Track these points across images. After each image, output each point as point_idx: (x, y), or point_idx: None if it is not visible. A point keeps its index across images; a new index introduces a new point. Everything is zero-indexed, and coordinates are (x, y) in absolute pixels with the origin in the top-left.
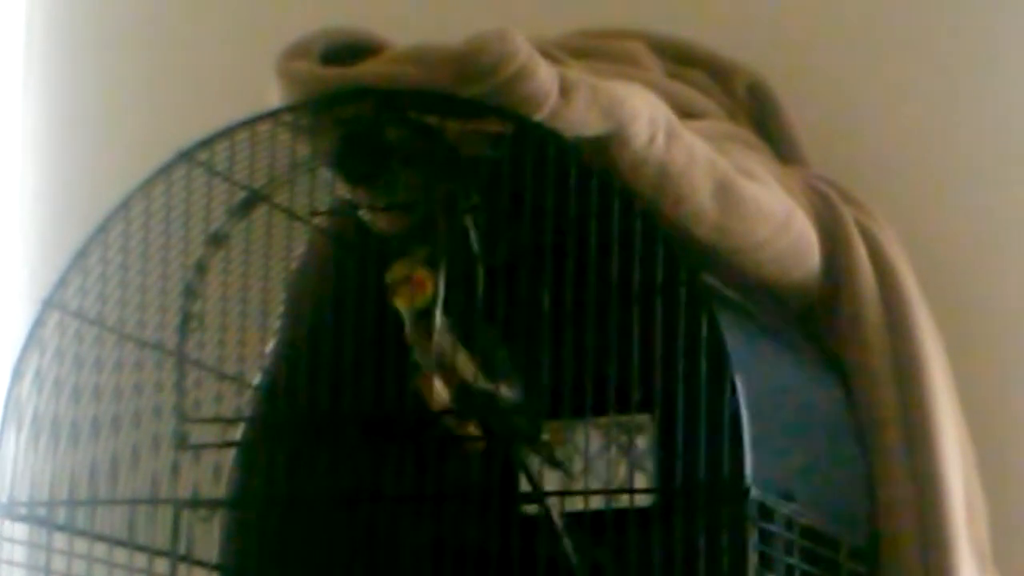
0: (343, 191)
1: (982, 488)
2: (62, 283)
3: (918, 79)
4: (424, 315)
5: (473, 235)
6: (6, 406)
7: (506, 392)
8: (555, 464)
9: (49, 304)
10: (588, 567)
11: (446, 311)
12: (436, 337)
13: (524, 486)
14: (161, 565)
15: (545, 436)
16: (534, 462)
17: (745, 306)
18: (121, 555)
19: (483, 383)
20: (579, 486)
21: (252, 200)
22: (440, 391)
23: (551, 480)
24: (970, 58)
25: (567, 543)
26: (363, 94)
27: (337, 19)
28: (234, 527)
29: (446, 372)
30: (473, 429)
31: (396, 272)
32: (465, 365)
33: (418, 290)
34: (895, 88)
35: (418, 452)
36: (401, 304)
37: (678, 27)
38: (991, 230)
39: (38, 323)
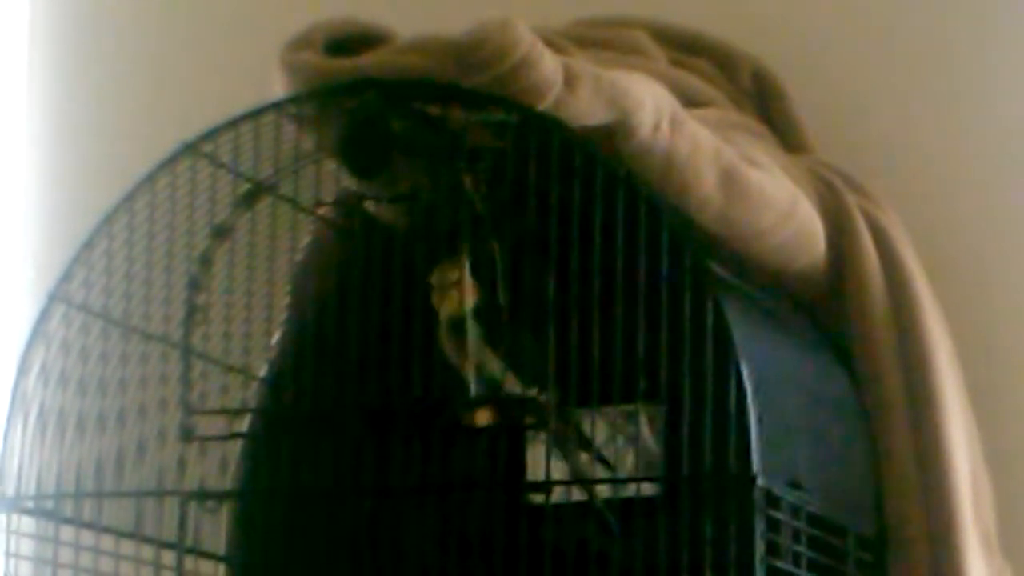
0: (348, 182)
1: (988, 474)
2: (67, 276)
3: (923, 65)
4: (461, 323)
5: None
6: (12, 400)
7: (537, 394)
8: (593, 453)
9: (54, 297)
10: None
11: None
12: (471, 346)
13: (531, 475)
14: (168, 557)
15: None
16: (572, 451)
17: (750, 294)
18: (128, 547)
19: (515, 386)
20: (586, 475)
21: (257, 192)
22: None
23: (558, 469)
24: (976, 44)
25: (614, 528)
26: (367, 85)
27: (340, 10)
28: (240, 519)
29: (483, 379)
30: (482, 416)
31: (441, 276)
32: (496, 369)
33: (462, 296)
34: (899, 75)
35: (424, 443)
36: (444, 309)
37: (682, 15)
38: (996, 217)
39: (43, 316)
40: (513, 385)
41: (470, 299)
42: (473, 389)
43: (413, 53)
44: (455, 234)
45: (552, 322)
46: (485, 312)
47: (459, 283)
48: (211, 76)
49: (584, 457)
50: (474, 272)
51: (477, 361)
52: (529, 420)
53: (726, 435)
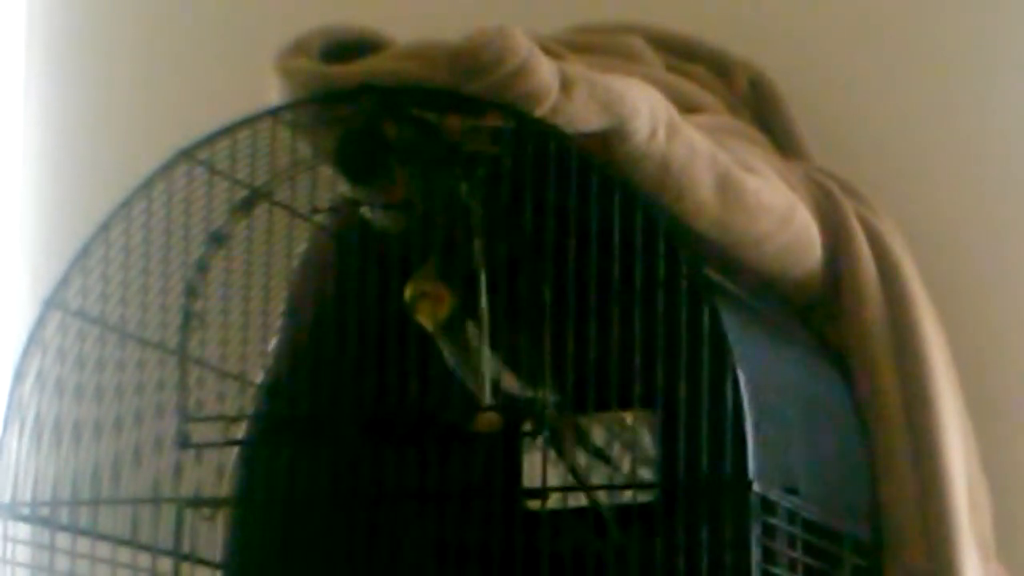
0: (344, 188)
1: (985, 480)
2: (64, 283)
3: (920, 72)
4: (450, 326)
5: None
6: (8, 407)
7: (534, 392)
8: (601, 457)
9: (51, 304)
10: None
11: (473, 319)
12: (471, 351)
13: (528, 481)
14: (164, 564)
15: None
16: (575, 455)
17: (747, 300)
18: (124, 554)
19: (514, 386)
20: (582, 481)
21: (253, 198)
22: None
23: (553, 475)
24: (972, 50)
25: (617, 535)
26: (363, 91)
27: (337, 16)
28: (237, 526)
29: (481, 379)
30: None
31: (412, 290)
32: (495, 369)
33: (438, 304)
34: (896, 81)
35: (421, 450)
36: (424, 320)
37: (678, 22)
38: (993, 222)
39: (40, 323)
40: (512, 385)
41: (447, 303)
42: (476, 392)
43: (410, 59)
44: (451, 240)
45: (549, 328)
46: (465, 317)
47: (428, 294)
48: (207, 83)
49: (583, 461)
50: (450, 279)
51: (475, 363)
52: (528, 426)
53: (722, 441)
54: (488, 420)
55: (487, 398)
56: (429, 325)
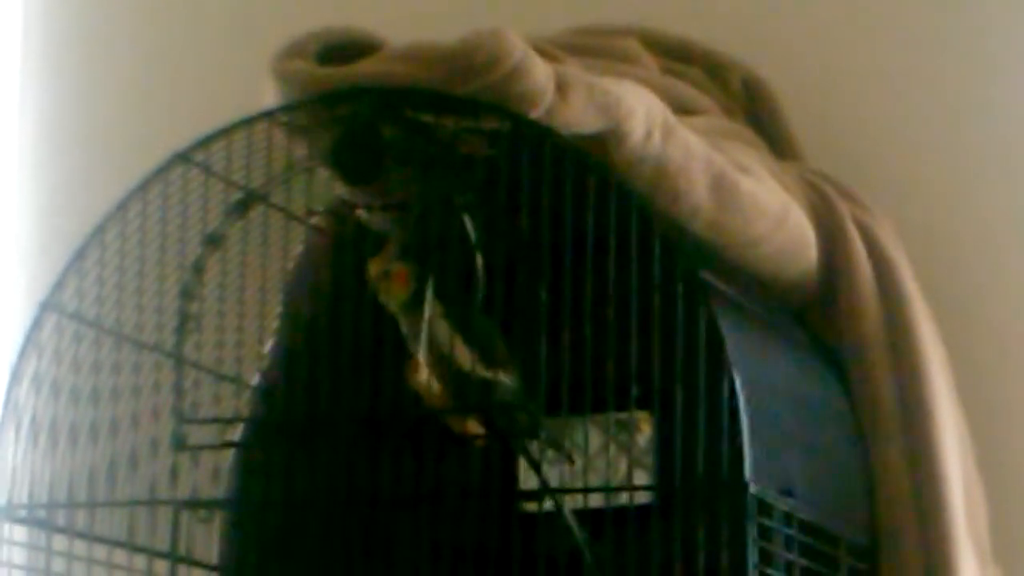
0: (340, 190)
1: (981, 482)
2: (59, 285)
3: (915, 73)
4: (412, 306)
5: (470, 228)
6: (4, 409)
7: (505, 380)
8: (559, 450)
9: (47, 306)
10: (598, 563)
11: (440, 299)
12: (428, 325)
13: (523, 483)
14: (161, 566)
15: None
16: (540, 454)
17: (743, 302)
18: (120, 557)
19: (481, 372)
20: (578, 483)
21: (249, 200)
22: (431, 383)
23: (550, 477)
24: (967, 51)
25: (579, 538)
26: (359, 93)
27: (333, 18)
28: (233, 528)
29: (441, 361)
30: (473, 426)
31: (373, 269)
32: (462, 353)
33: (398, 283)
34: (892, 83)
35: (416, 451)
36: (385, 299)
37: (673, 24)
38: (988, 224)
39: (36, 325)
40: (464, 363)
41: (410, 283)
42: (424, 375)
43: (405, 61)
44: (446, 241)
45: (545, 330)
46: (449, 295)
47: (390, 273)
48: (203, 85)
49: (562, 466)
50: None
51: (435, 340)
52: (508, 426)
53: (718, 443)
54: (459, 421)
55: (424, 360)
56: (392, 304)
